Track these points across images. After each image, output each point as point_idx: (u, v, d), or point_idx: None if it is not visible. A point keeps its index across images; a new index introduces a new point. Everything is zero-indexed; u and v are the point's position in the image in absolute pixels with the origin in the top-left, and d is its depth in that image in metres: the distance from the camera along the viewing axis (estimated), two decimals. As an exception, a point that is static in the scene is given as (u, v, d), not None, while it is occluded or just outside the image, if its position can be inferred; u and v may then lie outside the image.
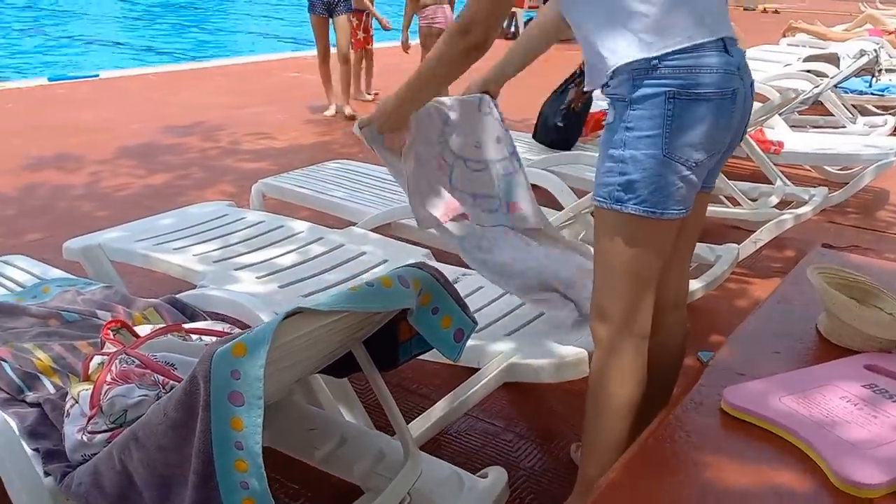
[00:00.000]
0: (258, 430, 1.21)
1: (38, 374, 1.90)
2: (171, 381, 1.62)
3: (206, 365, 1.23)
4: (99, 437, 1.57)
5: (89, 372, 1.73)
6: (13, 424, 1.72)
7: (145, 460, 1.34)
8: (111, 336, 1.83)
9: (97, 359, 1.74)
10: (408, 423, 1.85)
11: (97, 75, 7.82)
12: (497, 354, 1.88)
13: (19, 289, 2.40)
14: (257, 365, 1.20)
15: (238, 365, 1.21)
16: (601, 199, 1.57)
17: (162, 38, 12.47)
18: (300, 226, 2.89)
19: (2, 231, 3.79)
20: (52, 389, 1.87)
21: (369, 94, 7.27)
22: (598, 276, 1.65)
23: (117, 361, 1.65)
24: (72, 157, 5.04)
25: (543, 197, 3.58)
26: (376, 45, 7.25)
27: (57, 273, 2.49)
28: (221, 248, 2.68)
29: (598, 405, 1.65)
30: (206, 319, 2.16)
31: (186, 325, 1.87)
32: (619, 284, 1.62)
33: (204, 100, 7.06)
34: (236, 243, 2.73)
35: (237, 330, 1.95)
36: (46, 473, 1.57)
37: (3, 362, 1.90)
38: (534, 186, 3.69)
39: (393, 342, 1.71)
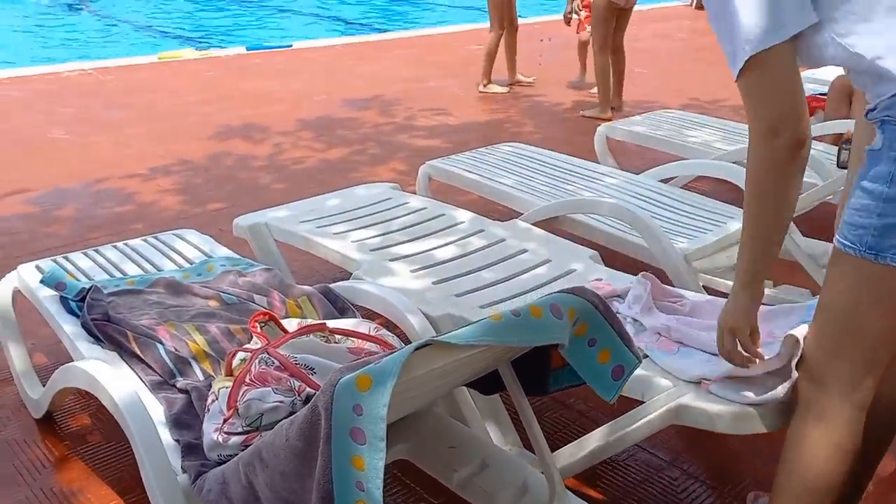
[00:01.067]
0: (379, 473, 1.09)
1: (190, 360, 1.91)
2: (308, 389, 1.55)
3: (328, 395, 1.11)
4: (234, 439, 1.53)
5: (232, 367, 1.70)
6: (161, 410, 1.74)
7: (269, 482, 1.27)
8: (258, 329, 1.79)
9: (240, 354, 1.70)
10: (560, 443, 1.68)
11: (290, 46, 8.12)
12: (665, 389, 1.65)
13: (187, 265, 2.46)
14: (381, 403, 1.07)
15: (361, 399, 1.08)
16: (848, 244, 1.29)
17: (357, 9, 12.82)
18: (462, 215, 2.76)
19: (189, 199, 3.99)
20: (200, 376, 1.87)
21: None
22: (822, 327, 1.37)
23: (257, 361, 1.60)
24: (258, 128, 5.24)
25: (733, 194, 3.22)
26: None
27: (223, 251, 2.52)
28: (381, 234, 2.61)
29: (793, 476, 1.39)
30: (355, 314, 2.09)
31: (330, 325, 1.79)
32: (848, 345, 1.34)
33: (386, 73, 7.13)
34: (396, 230, 2.65)
35: (382, 331, 1.85)
36: (183, 470, 1.55)
37: (159, 344, 1.93)
38: (723, 182, 3.36)
39: (544, 366, 1.54)
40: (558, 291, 1.31)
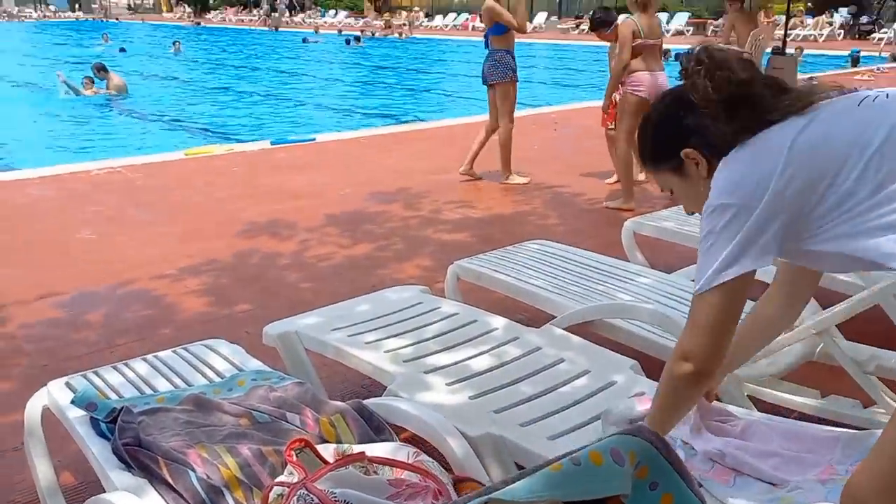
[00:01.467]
0: None
1: (223, 488, 1.84)
2: (348, 531, 1.48)
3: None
4: (273, 584, 1.45)
5: (269, 503, 1.63)
6: (194, 546, 1.66)
7: None
8: (293, 458, 1.73)
9: (277, 489, 1.63)
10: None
11: (314, 139, 8.29)
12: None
13: (217, 378, 2.41)
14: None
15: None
16: None
17: (383, 101, 13.15)
18: (495, 322, 2.71)
19: (216, 300, 3.98)
20: (233, 508, 1.80)
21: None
22: (882, 467, 1.29)
23: (295, 498, 1.54)
24: (284, 224, 5.28)
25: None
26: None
27: (254, 364, 2.48)
28: (413, 343, 2.56)
29: None
30: (390, 434, 2.03)
31: (369, 453, 1.72)
32: None
33: (409, 164, 7.23)
34: (429, 339, 2.60)
35: (422, 457, 1.79)
36: None
37: (190, 471, 1.86)
38: (760, 281, 3.30)
39: (598, 504, 1.46)
40: (616, 433, 1.25)
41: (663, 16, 30.98)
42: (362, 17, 43.92)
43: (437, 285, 3.63)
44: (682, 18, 30.65)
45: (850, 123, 1.37)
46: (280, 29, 39.05)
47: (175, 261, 4.53)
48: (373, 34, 33.05)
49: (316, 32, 35.96)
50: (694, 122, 1.50)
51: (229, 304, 3.92)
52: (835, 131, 1.37)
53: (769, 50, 11.61)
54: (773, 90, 1.48)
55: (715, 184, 1.44)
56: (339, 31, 35.31)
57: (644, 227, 3.96)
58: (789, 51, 12.29)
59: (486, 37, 6.37)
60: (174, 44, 23.74)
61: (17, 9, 60.01)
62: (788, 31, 13.88)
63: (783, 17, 13.12)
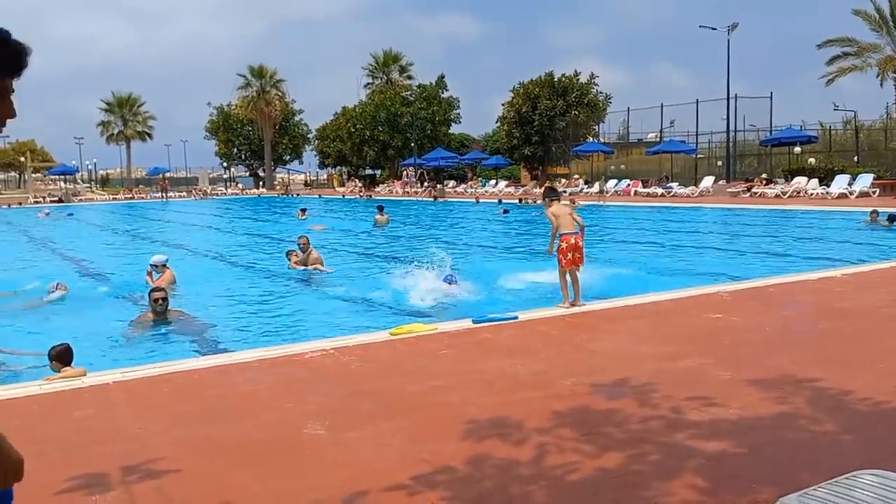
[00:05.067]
0: None
1: None
2: None
3: None
4: None
5: None
6: None
7: None
8: None
9: None
10: None
11: (516, 317, 7.94)
12: None
13: None
14: None
15: None
16: None
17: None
18: None
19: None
20: None
21: None
22: None
23: None
24: (511, 423, 4.78)
25: None
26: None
27: None
28: None
29: None
30: None
31: None
32: None
33: (625, 348, 6.66)
34: None
35: None
36: None
37: None
38: None
39: None
40: None
41: (844, 178, 29.58)
42: (522, 186, 45.30)
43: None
44: (866, 180, 29.05)
45: None
46: (441, 200, 40.93)
47: (411, 466, 4.12)
48: (534, 201, 33.75)
49: (476, 202, 37.27)
50: None
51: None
52: None
53: None
54: None
55: None
56: (499, 200, 36.39)
57: None
58: None
59: None
60: (378, 215, 23.96)
61: (210, 187, 67.28)
62: None
63: None
